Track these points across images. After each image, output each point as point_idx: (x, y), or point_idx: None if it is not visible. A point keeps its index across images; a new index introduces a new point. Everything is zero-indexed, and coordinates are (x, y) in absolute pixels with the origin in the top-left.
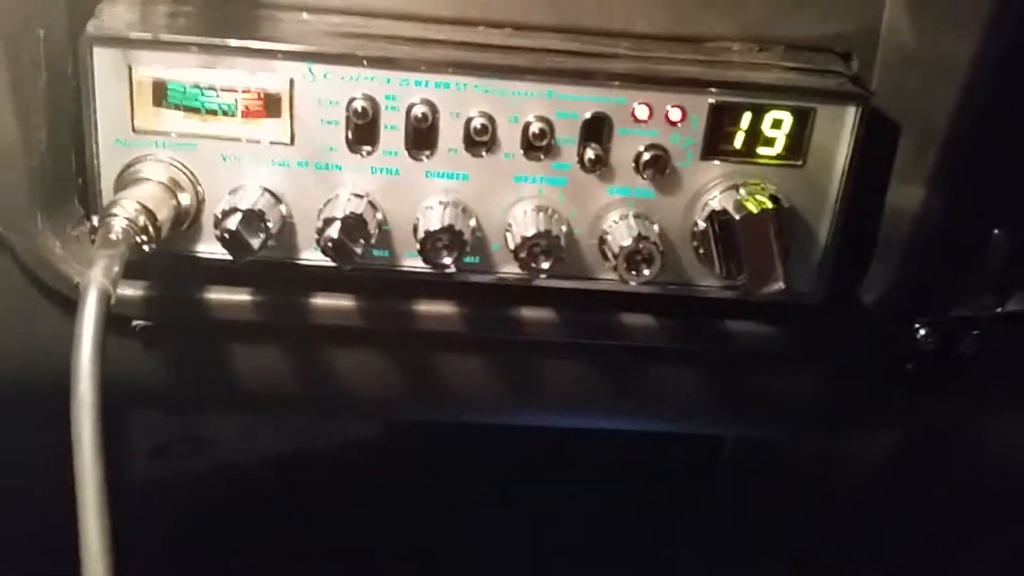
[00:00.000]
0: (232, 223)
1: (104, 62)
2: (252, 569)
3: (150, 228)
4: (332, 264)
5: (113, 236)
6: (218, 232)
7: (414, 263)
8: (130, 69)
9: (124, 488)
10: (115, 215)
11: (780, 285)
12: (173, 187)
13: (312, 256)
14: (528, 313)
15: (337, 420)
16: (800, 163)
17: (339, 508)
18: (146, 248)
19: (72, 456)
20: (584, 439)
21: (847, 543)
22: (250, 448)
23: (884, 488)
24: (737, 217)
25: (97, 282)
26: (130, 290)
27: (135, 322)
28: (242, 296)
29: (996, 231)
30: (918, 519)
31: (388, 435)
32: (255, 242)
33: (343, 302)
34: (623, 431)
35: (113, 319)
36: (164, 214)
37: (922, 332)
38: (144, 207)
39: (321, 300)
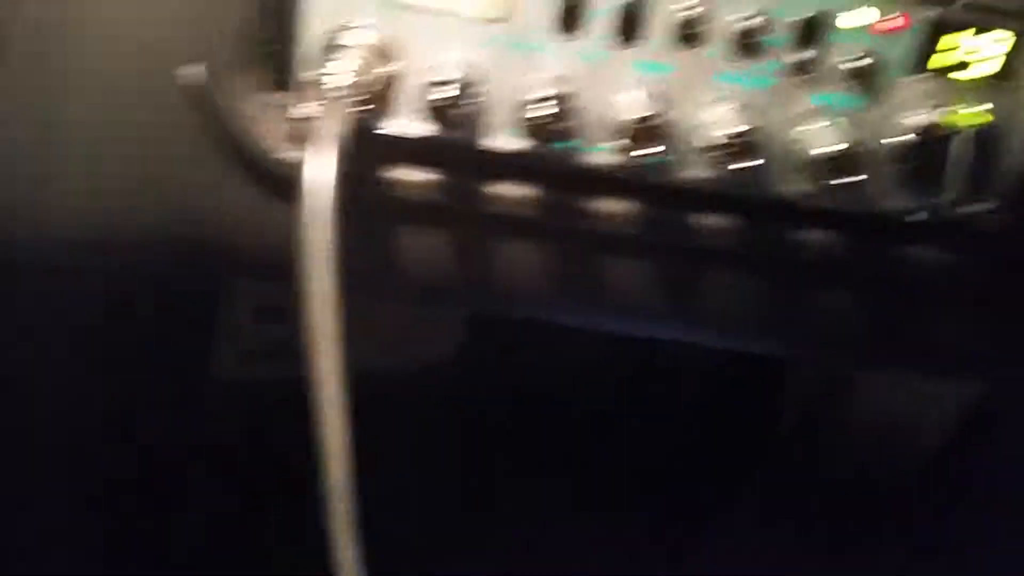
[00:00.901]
0: (445, 92)
1: None
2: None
3: (370, 88)
4: (524, 149)
5: (336, 97)
6: (428, 104)
7: (606, 157)
8: None
9: (217, 390)
10: (336, 73)
11: (987, 204)
12: (380, 54)
13: (508, 143)
14: (711, 220)
15: (492, 315)
16: (1012, 86)
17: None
18: (365, 108)
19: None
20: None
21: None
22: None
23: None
24: (949, 132)
25: (329, 132)
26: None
27: None
28: (431, 177)
29: None
30: None
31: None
32: (469, 112)
33: (529, 191)
34: None
35: (287, 183)
36: (375, 81)
37: None
38: (363, 65)
39: (507, 188)
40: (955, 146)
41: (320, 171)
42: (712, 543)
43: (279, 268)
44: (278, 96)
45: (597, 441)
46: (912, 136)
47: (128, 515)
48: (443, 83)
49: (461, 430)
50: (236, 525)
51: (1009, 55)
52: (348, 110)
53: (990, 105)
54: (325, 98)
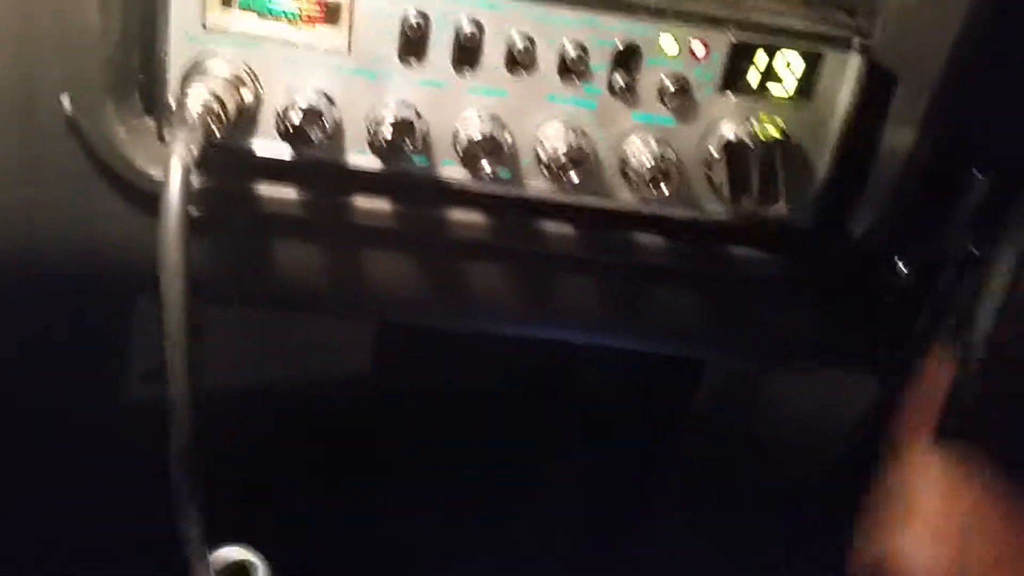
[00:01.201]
0: (296, 117)
1: None
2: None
3: (221, 116)
4: (375, 168)
5: (190, 119)
6: (282, 126)
7: (451, 172)
8: None
9: (117, 410)
10: (191, 99)
11: (782, 206)
12: (236, 83)
13: (357, 160)
14: (549, 227)
15: (361, 323)
16: (806, 103)
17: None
18: (217, 134)
19: (163, 320)
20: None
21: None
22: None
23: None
24: (750, 143)
25: (180, 155)
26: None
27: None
28: (289, 193)
29: (978, 175)
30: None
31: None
32: (315, 136)
33: (382, 205)
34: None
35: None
36: (231, 106)
37: (902, 267)
38: (216, 96)
39: (361, 202)
40: (754, 158)
41: (171, 189)
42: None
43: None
44: (147, 120)
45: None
46: (718, 150)
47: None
48: (292, 109)
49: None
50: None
51: (802, 75)
52: (204, 129)
53: (782, 122)
54: (177, 127)
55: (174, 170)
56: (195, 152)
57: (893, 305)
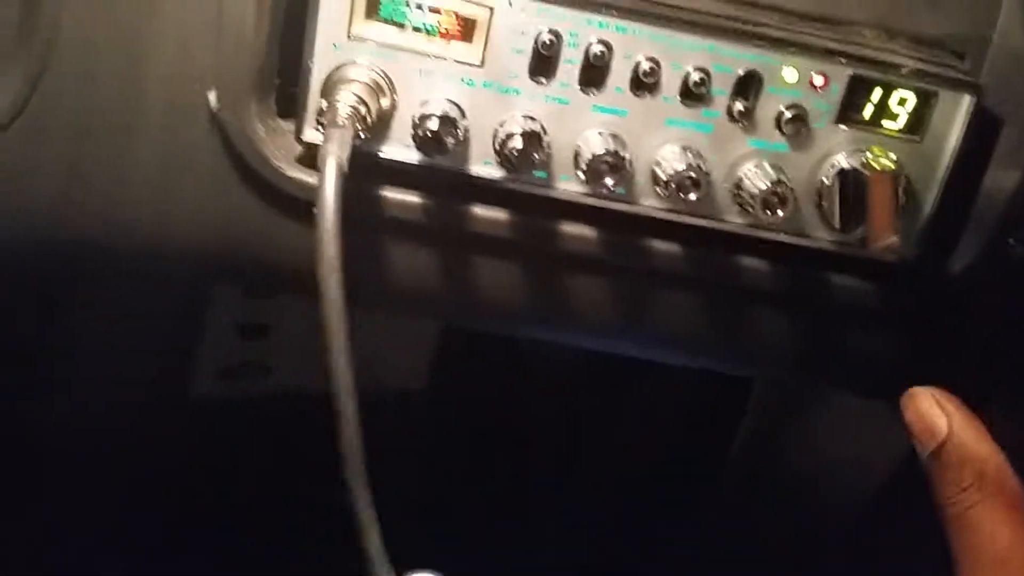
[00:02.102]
0: (433, 124)
1: None
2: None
3: (367, 118)
4: (496, 178)
5: (340, 120)
6: (419, 132)
7: (568, 186)
8: None
9: (192, 404)
10: (340, 101)
11: (895, 240)
12: (376, 89)
13: (481, 170)
14: (659, 245)
15: (472, 328)
16: (918, 139)
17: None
18: (361, 136)
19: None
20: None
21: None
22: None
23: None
24: (867, 173)
25: (334, 154)
26: (313, 179)
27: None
28: (413, 198)
29: None
30: None
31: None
32: (449, 144)
33: (500, 215)
34: None
35: (295, 202)
36: (373, 110)
37: (1003, 306)
38: (361, 99)
39: (480, 211)
40: (868, 188)
41: (327, 188)
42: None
43: (275, 285)
44: (287, 122)
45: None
46: (831, 179)
47: (106, 534)
48: (428, 117)
49: (454, 437)
50: (216, 546)
51: (912, 112)
52: (347, 138)
53: (894, 156)
54: (329, 127)
55: (329, 169)
56: (347, 152)
57: (986, 343)
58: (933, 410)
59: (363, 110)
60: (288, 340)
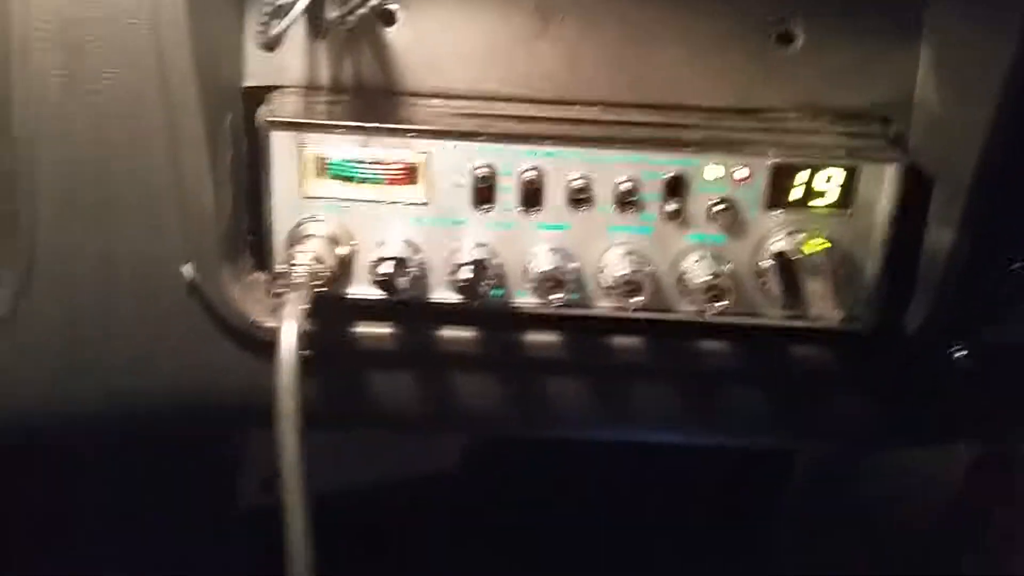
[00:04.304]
0: (386, 268)
1: (280, 142)
2: None
3: (322, 272)
4: (458, 301)
5: (298, 281)
6: (374, 276)
7: (525, 300)
8: (300, 148)
9: (239, 517)
10: (298, 264)
11: (837, 314)
12: (333, 240)
13: (443, 295)
14: (621, 342)
15: (453, 439)
16: (850, 212)
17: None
18: (320, 291)
19: (279, 464)
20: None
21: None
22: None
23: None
24: (798, 257)
25: (292, 316)
26: None
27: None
28: (382, 329)
29: (1019, 266)
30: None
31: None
32: (403, 283)
33: (464, 333)
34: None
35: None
36: (330, 263)
37: (960, 355)
38: (317, 256)
39: (446, 331)
40: (805, 267)
41: (286, 337)
42: None
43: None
44: (259, 276)
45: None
46: (768, 263)
47: None
48: (381, 261)
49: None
50: None
51: (841, 188)
52: (309, 288)
53: (827, 233)
54: (291, 280)
55: (286, 334)
56: (304, 313)
57: (953, 391)
58: None
59: (319, 267)
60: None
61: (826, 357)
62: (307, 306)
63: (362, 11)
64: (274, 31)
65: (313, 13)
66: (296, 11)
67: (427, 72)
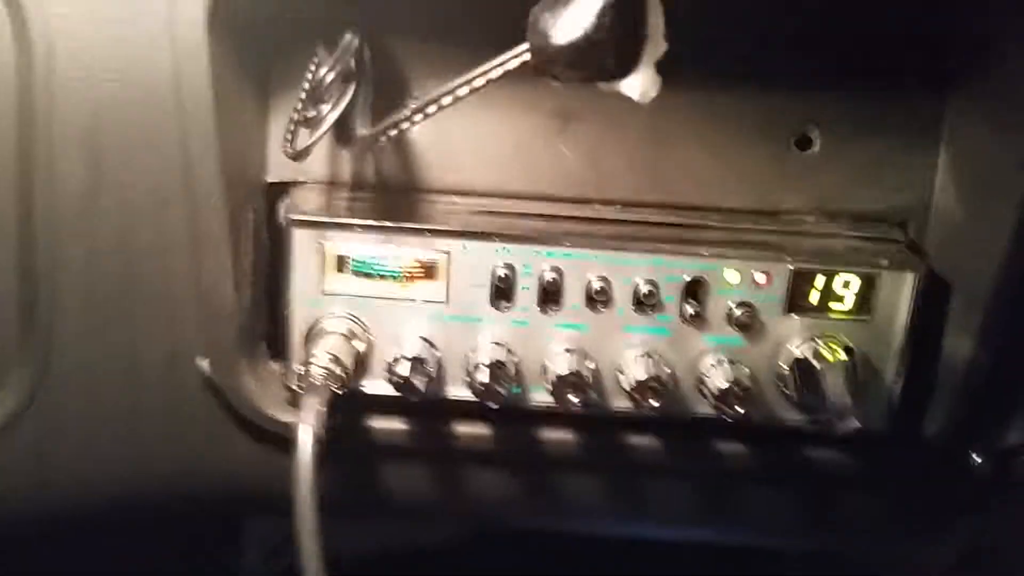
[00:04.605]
0: (404, 370)
1: (302, 239)
2: None
3: (340, 373)
4: (474, 398)
5: (315, 383)
6: (392, 377)
7: (542, 398)
8: (321, 244)
9: None
10: (315, 365)
11: (855, 423)
12: (351, 336)
13: (460, 392)
14: (637, 441)
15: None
16: (868, 318)
17: None
18: (338, 391)
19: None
20: None
21: None
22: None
23: None
24: (818, 366)
25: (309, 424)
26: None
27: None
28: (399, 425)
29: None
30: None
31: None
32: (420, 384)
33: (481, 430)
34: None
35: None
36: (348, 361)
37: (977, 460)
38: (334, 356)
39: (463, 428)
40: (824, 374)
41: (304, 437)
42: None
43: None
44: (276, 368)
45: None
46: (787, 367)
47: None
48: (398, 361)
49: None
50: None
51: (858, 294)
52: (326, 386)
53: (847, 340)
54: (309, 379)
55: (303, 438)
56: (322, 415)
57: (972, 494)
58: None
59: (337, 368)
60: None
61: (844, 461)
62: (324, 408)
63: (394, 133)
64: (302, 144)
65: (341, 123)
66: (325, 127)
67: (448, 171)
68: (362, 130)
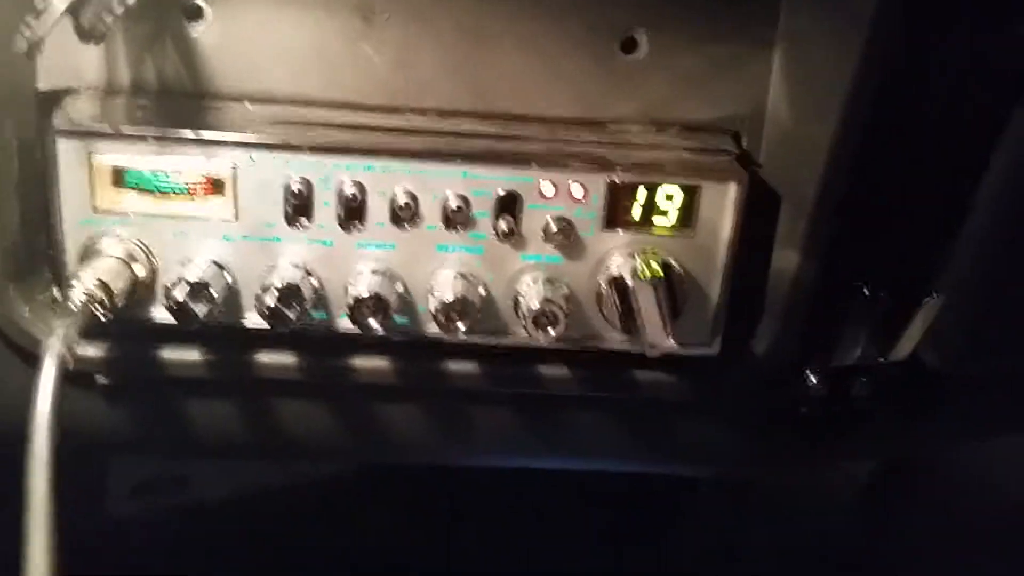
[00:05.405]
0: (180, 294)
1: (68, 151)
2: None
3: (106, 300)
4: (272, 326)
5: (72, 307)
6: (167, 303)
7: (347, 324)
8: (90, 156)
9: (105, 525)
10: (74, 288)
11: (670, 344)
12: (129, 260)
13: (255, 319)
14: (452, 366)
15: (281, 464)
16: (691, 232)
17: (316, 545)
18: (103, 317)
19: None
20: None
21: None
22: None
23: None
24: (631, 284)
25: (54, 348)
26: (93, 350)
27: (98, 378)
28: (192, 356)
29: (865, 289)
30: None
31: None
32: (201, 311)
33: (284, 359)
34: None
35: (78, 376)
36: (120, 286)
37: (812, 379)
38: (101, 281)
39: (264, 357)
40: (642, 292)
41: (48, 368)
42: None
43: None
44: (53, 294)
45: None
46: (605, 287)
47: None
48: (178, 283)
49: None
50: None
51: (681, 207)
52: (87, 311)
53: (666, 256)
54: (67, 302)
55: (47, 371)
56: (73, 347)
57: (808, 415)
58: None
59: (101, 293)
60: None
61: (673, 383)
62: (76, 335)
63: (110, 18)
64: (31, 37)
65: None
66: (51, 18)
67: (238, 74)
68: (86, 16)
